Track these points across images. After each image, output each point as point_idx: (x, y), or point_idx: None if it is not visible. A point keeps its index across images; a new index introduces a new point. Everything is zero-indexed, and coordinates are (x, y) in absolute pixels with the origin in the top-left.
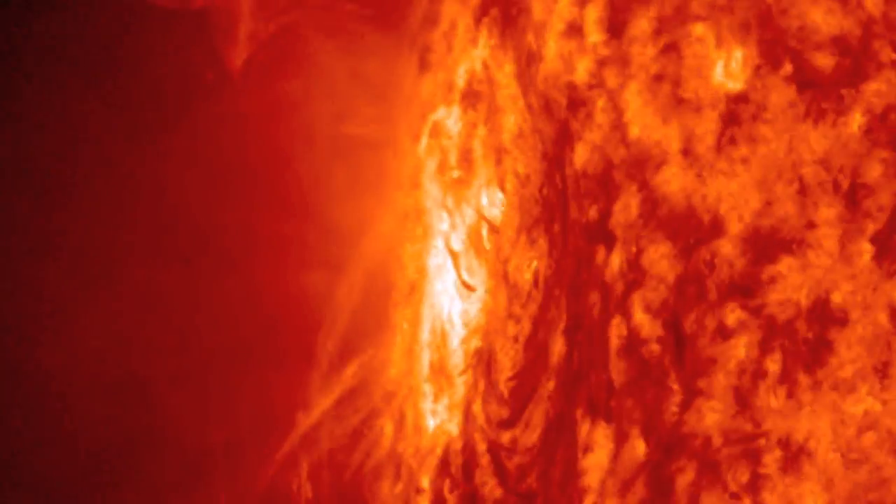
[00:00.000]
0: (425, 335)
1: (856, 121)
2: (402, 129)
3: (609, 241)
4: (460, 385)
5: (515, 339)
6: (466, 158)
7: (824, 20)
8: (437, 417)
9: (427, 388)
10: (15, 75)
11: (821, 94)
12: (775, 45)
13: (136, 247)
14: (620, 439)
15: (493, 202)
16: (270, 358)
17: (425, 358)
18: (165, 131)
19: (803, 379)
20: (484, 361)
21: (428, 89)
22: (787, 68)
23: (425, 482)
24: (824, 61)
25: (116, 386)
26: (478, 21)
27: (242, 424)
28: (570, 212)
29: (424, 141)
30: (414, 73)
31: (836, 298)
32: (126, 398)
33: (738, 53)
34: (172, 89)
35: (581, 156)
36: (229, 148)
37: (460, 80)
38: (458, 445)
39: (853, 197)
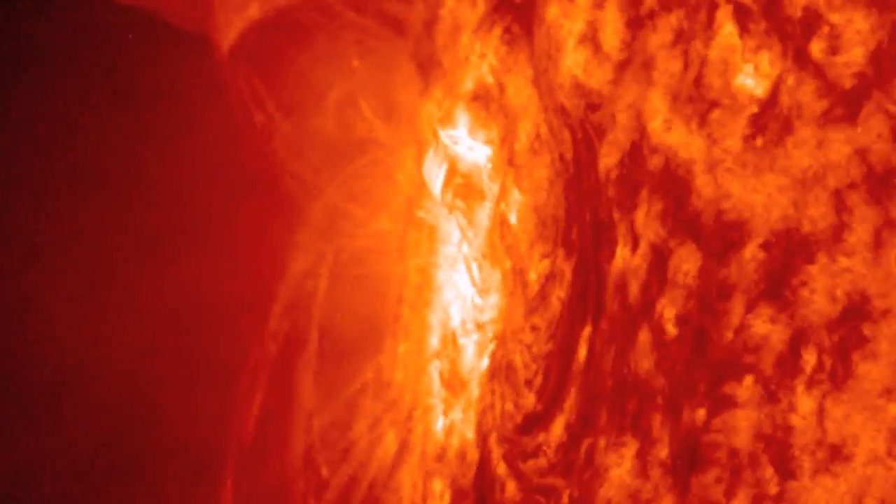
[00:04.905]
0: (434, 342)
1: (885, 122)
2: (406, 132)
3: (633, 246)
4: (475, 391)
5: (534, 346)
6: (478, 164)
7: (853, 24)
8: (450, 423)
9: (438, 394)
10: (9, 81)
11: (849, 96)
12: (803, 48)
13: (131, 249)
14: (646, 445)
15: (508, 208)
16: (269, 363)
17: (435, 364)
18: (161, 136)
19: (836, 381)
20: (501, 368)
21: (434, 93)
22: (816, 71)
23: (438, 486)
24: (853, 63)
25: (114, 387)
26: (487, 25)
27: (241, 427)
28: (591, 216)
29: (431, 145)
30: (418, 75)
31: (869, 298)
32: (123, 399)
33: (765, 57)
34: (167, 95)
35: (602, 160)
36: (226, 152)
37: (468, 85)
38: (473, 450)
39: (885, 197)
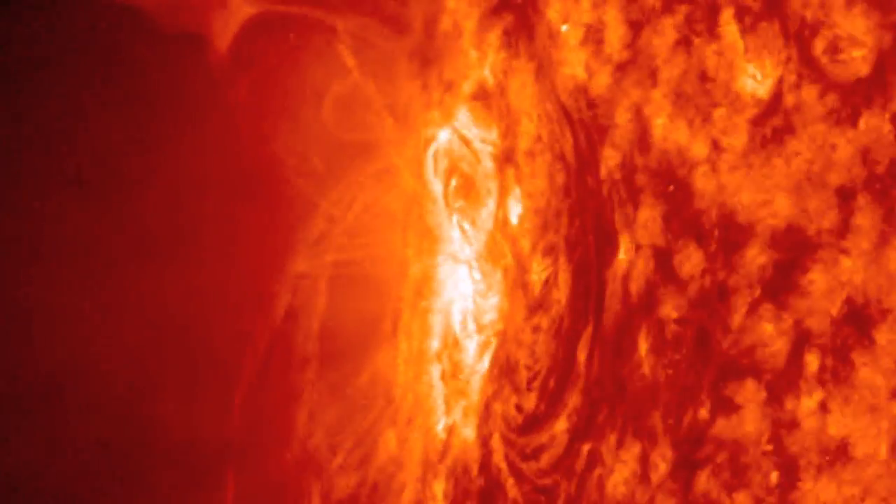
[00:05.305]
0: (435, 342)
1: (888, 123)
2: (406, 132)
3: (635, 247)
4: (476, 392)
5: (536, 347)
6: (479, 164)
7: (855, 25)
8: (451, 423)
9: (439, 395)
10: (7, 82)
11: (852, 96)
12: (806, 48)
13: (130, 250)
14: (648, 446)
15: (509, 208)
16: (268, 364)
17: (436, 365)
18: (159, 137)
19: (839, 382)
20: (502, 368)
21: (434, 93)
22: (818, 72)
23: (438, 489)
24: (855, 64)
25: (114, 388)
26: (487, 25)
27: (242, 428)
28: (593, 217)
29: (431, 145)
30: (418, 75)
31: (872, 299)
32: (123, 400)
33: (767, 57)
34: (165, 96)
35: (604, 161)
36: (225, 153)
37: (468, 85)
38: (474, 452)
39: (888, 198)
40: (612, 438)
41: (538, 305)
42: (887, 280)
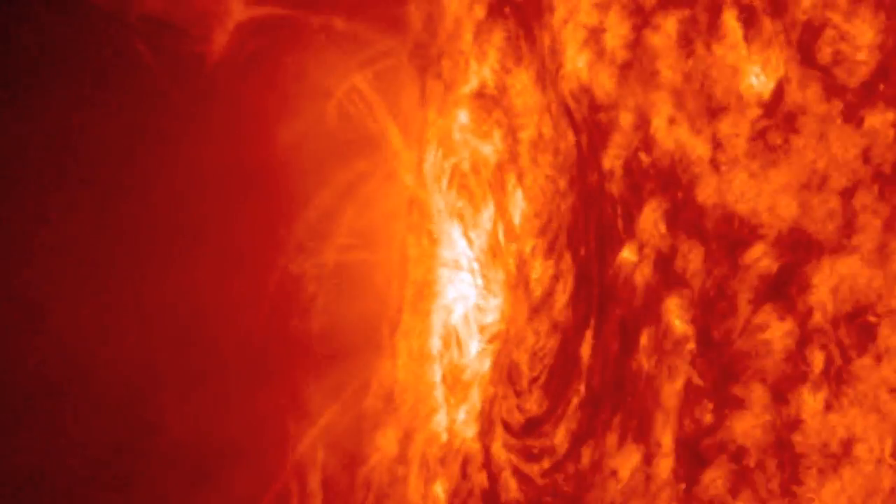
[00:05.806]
0: (436, 344)
1: (891, 124)
2: (407, 133)
3: (638, 247)
4: (478, 393)
5: (538, 347)
6: (480, 165)
7: (859, 26)
8: (452, 425)
9: (440, 397)
10: (5, 83)
11: (855, 97)
12: (809, 49)
13: (131, 248)
14: (651, 447)
15: (511, 209)
16: (268, 363)
17: (437, 366)
18: (159, 138)
19: (843, 382)
20: (504, 369)
21: (434, 94)
22: (821, 72)
23: (440, 490)
24: (859, 65)
25: (115, 389)
26: (488, 25)
27: (240, 430)
28: (595, 217)
29: (432, 146)
30: (419, 76)
31: (876, 299)
32: (125, 401)
33: (770, 58)
34: (164, 97)
35: (606, 161)
36: (224, 154)
37: (469, 85)
38: (476, 453)
39: (892, 198)
40: (615, 439)
41: (540, 306)
42: (891, 279)
